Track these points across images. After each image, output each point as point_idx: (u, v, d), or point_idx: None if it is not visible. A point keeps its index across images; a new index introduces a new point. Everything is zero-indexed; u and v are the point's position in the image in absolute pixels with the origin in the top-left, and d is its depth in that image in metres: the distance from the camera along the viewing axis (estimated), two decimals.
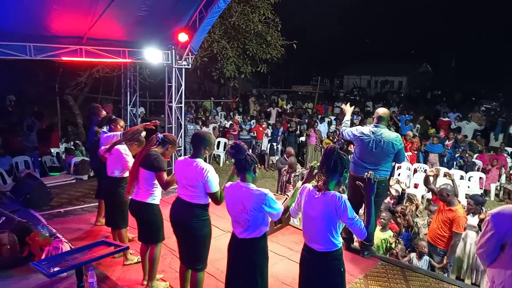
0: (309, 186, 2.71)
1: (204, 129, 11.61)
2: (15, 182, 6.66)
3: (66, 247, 4.02)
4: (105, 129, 5.01)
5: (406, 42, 36.80)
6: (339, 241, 2.62)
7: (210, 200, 3.27)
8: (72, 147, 9.65)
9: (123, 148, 4.10)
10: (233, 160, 2.95)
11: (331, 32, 32.71)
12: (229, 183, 2.96)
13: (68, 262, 2.10)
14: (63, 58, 6.34)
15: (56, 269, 2.19)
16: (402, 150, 4.42)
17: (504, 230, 2.15)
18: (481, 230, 4.72)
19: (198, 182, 3.13)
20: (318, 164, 2.92)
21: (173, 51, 7.50)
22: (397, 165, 9.59)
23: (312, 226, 2.61)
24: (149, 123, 4.69)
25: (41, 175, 7.76)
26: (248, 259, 2.82)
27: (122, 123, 4.96)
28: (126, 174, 4.16)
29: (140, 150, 3.71)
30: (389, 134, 4.37)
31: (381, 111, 4.54)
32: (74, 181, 7.49)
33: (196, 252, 3.28)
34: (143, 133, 4.31)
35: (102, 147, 4.37)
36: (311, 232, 2.63)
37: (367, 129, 4.47)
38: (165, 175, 3.60)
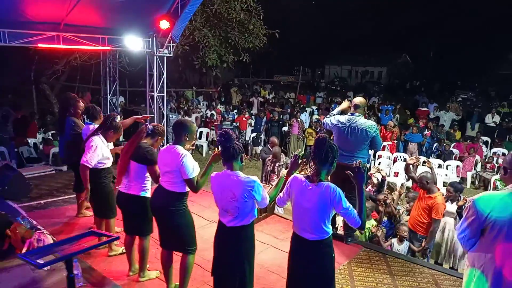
0: (300, 176, 2.72)
1: (186, 118, 11.49)
2: None
3: (48, 239, 3.93)
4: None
5: (387, 32, 37.18)
6: (330, 229, 2.67)
7: (188, 189, 3.24)
8: (50, 137, 9.39)
9: (94, 139, 3.94)
10: (216, 150, 2.94)
11: (313, 22, 32.70)
12: (215, 172, 2.94)
13: (57, 253, 2.04)
14: (40, 45, 6.10)
15: (45, 260, 2.14)
16: (377, 137, 4.53)
17: (484, 215, 2.24)
18: (459, 217, 4.90)
19: (175, 167, 3.12)
20: (303, 153, 2.95)
21: (154, 38, 7.33)
22: (377, 153, 9.81)
23: (305, 217, 2.62)
24: (140, 116, 4.60)
25: (18, 167, 7.53)
26: (236, 247, 2.83)
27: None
28: (106, 165, 4.09)
29: (129, 141, 3.60)
30: (363, 122, 4.48)
31: (358, 100, 4.69)
32: (53, 172, 7.31)
33: (182, 238, 3.31)
34: (117, 118, 4.19)
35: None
36: (304, 222, 2.65)
37: (344, 117, 4.61)
38: (157, 168, 3.54)
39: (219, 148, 2.91)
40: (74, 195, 5.30)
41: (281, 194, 2.86)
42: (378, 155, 9.78)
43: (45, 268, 3.73)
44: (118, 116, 4.27)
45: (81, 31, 6.48)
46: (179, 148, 3.20)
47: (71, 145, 4.95)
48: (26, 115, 10.67)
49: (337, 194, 2.53)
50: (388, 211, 5.61)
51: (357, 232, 4.84)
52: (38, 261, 2.05)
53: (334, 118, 4.67)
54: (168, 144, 3.34)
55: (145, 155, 3.47)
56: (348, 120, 4.51)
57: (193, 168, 3.15)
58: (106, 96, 9.07)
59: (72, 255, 2.04)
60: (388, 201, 5.71)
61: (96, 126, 4.52)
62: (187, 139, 3.27)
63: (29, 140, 9.28)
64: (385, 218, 5.63)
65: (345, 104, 4.84)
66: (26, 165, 8.18)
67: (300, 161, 2.96)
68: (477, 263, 2.31)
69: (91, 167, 3.88)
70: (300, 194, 2.65)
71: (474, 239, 2.33)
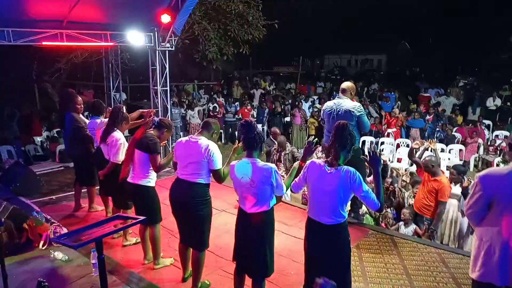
0: (318, 161, 2.79)
1: (189, 112, 11.56)
2: (2, 171, 6.53)
3: (64, 231, 4.04)
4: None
5: (384, 20, 36.99)
6: (346, 213, 2.75)
7: (211, 179, 3.33)
8: (56, 135, 9.48)
9: (117, 136, 4.05)
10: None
11: (310, 12, 32.55)
12: (235, 161, 3.01)
13: (90, 235, 2.14)
14: (44, 43, 6.17)
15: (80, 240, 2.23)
16: (362, 117, 4.55)
17: (491, 190, 2.33)
18: (464, 198, 4.97)
19: (203, 158, 3.18)
20: (317, 139, 3.04)
21: (156, 33, 7.38)
22: (380, 140, 9.88)
23: (324, 200, 2.68)
24: (145, 110, 4.70)
25: (25, 165, 7.61)
26: (258, 232, 2.91)
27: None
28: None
29: (136, 132, 3.71)
30: (347, 103, 4.56)
31: (345, 84, 4.80)
32: (62, 168, 7.42)
33: (198, 232, 3.34)
34: (124, 109, 4.30)
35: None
36: (322, 206, 2.70)
37: (331, 102, 4.75)
38: (159, 158, 3.65)
39: (241, 140, 3.00)
40: (84, 190, 5.37)
41: (296, 179, 2.92)
42: (381, 142, 9.86)
43: (63, 259, 3.87)
44: (124, 107, 4.37)
45: (84, 28, 6.54)
46: (205, 139, 3.26)
47: (72, 140, 5.06)
48: (30, 113, 10.75)
49: (357, 178, 2.60)
50: (397, 201, 5.69)
51: (368, 217, 4.95)
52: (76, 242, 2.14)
53: (325, 105, 4.84)
54: (189, 136, 3.39)
55: (148, 144, 3.57)
56: (335, 103, 4.63)
57: (220, 159, 3.24)
58: (109, 92, 9.13)
59: (102, 236, 2.13)
60: (395, 189, 5.77)
61: (102, 120, 4.62)
62: (213, 136, 3.41)
63: (35, 139, 9.36)
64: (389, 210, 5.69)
65: None
66: (34, 163, 8.28)
67: (314, 147, 3.05)
68: (485, 237, 2.40)
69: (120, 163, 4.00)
70: (320, 178, 2.70)
71: (481, 214, 2.42)
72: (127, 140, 4.11)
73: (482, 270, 2.40)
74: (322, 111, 4.88)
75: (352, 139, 2.69)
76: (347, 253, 2.79)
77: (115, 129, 4.09)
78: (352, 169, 2.64)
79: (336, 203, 2.65)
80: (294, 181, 2.94)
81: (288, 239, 4.48)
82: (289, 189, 3.06)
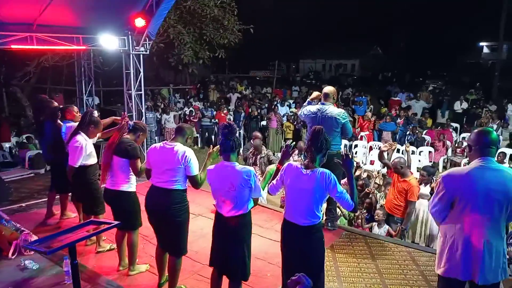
0: (295, 163, 2.87)
1: (165, 116, 11.47)
2: None
3: (35, 239, 3.93)
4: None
5: (358, 25, 37.98)
6: (321, 215, 2.82)
7: (187, 185, 3.32)
8: (25, 140, 9.19)
9: (77, 138, 4.01)
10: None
11: (286, 16, 33.07)
12: (212, 165, 3.04)
13: (62, 241, 2.10)
14: (13, 46, 6.00)
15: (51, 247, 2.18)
16: (347, 124, 4.61)
17: (453, 188, 2.46)
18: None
19: (179, 165, 3.16)
20: (294, 142, 3.10)
21: (130, 37, 7.30)
22: (354, 143, 10.13)
23: (300, 200, 2.76)
24: (119, 118, 4.63)
25: None
26: (236, 235, 2.94)
27: (75, 108, 4.86)
28: (90, 162, 4.13)
29: (112, 137, 3.66)
30: (333, 110, 4.57)
31: (327, 89, 4.77)
32: (32, 175, 7.20)
33: (177, 238, 3.33)
34: (95, 113, 4.25)
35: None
36: (298, 206, 2.77)
37: (314, 107, 4.70)
38: (139, 162, 3.61)
39: (219, 140, 3.01)
40: (58, 197, 5.23)
41: (274, 181, 2.97)
42: (355, 145, 10.10)
43: (34, 268, 3.77)
44: (96, 112, 4.32)
45: (55, 31, 6.40)
46: (181, 145, 3.24)
47: (53, 147, 4.93)
48: None
49: (332, 179, 2.69)
50: (369, 202, 5.85)
51: (342, 219, 5.05)
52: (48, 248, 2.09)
53: (305, 109, 4.79)
54: (164, 142, 3.36)
55: (127, 149, 3.53)
56: (319, 109, 4.61)
57: (197, 165, 3.23)
58: (81, 96, 8.95)
59: (75, 242, 2.10)
60: (370, 191, 5.93)
61: (74, 124, 4.54)
62: (187, 141, 3.39)
63: (3, 145, 9.04)
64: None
65: (314, 94, 4.98)
66: (2, 170, 7.99)
67: (291, 150, 3.12)
68: (449, 233, 2.54)
69: (76, 167, 3.93)
70: (296, 179, 2.77)
71: (445, 212, 2.55)
72: (102, 147, 4.07)
73: (446, 266, 2.52)
74: (303, 115, 4.78)
75: (327, 144, 2.78)
76: (321, 253, 2.86)
77: (80, 132, 4.05)
78: (327, 170, 2.73)
79: (312, 204, 2.73)
80: (271, 183, 2.99)
81: (264, 241, 4.53)
82: (266, 192, 3.11)
